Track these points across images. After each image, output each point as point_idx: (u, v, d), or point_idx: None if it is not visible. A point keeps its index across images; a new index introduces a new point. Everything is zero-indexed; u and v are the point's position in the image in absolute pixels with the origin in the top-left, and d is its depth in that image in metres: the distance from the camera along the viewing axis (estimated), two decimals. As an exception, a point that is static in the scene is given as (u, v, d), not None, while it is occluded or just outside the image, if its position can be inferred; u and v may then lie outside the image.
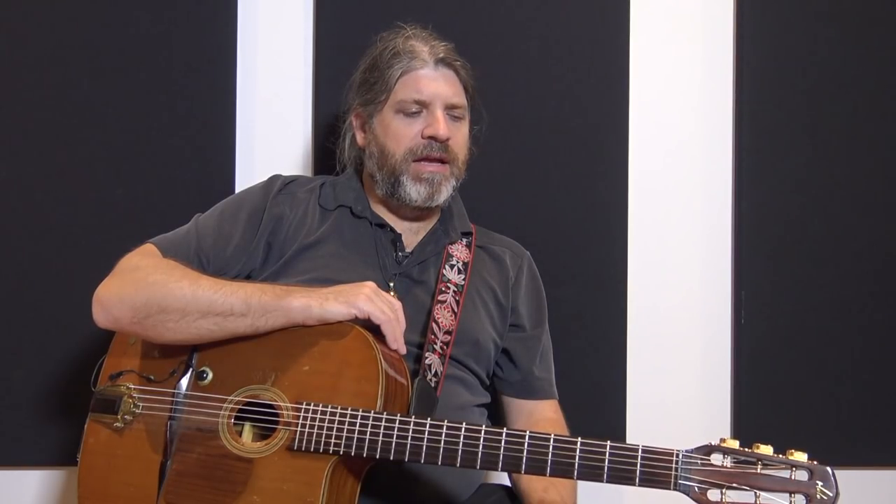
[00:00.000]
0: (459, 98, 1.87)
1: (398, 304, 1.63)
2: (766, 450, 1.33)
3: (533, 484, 1.75)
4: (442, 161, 1.83)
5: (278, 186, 1.89)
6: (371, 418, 1.49)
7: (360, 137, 1.94)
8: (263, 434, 1.58)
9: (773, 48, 2.34)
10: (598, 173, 2.29)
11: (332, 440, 1.49)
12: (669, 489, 1.36)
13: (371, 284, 1.62)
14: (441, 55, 1.87)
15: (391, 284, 1.80)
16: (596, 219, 2.28)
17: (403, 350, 1.61)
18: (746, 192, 2.32)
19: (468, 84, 1.91)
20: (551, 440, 1.43)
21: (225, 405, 1.59)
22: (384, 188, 1.86)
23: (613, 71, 2.31)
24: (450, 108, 1.85)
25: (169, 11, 2.21)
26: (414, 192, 1.82)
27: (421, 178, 1.82)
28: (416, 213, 1.89)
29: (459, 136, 1.87)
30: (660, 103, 2.37)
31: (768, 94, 2.34)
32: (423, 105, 1.83)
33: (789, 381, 2.29)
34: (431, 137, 1.82)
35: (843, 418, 2.30)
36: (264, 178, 1.95)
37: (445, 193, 1.85)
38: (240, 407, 1.58)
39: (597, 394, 2.24)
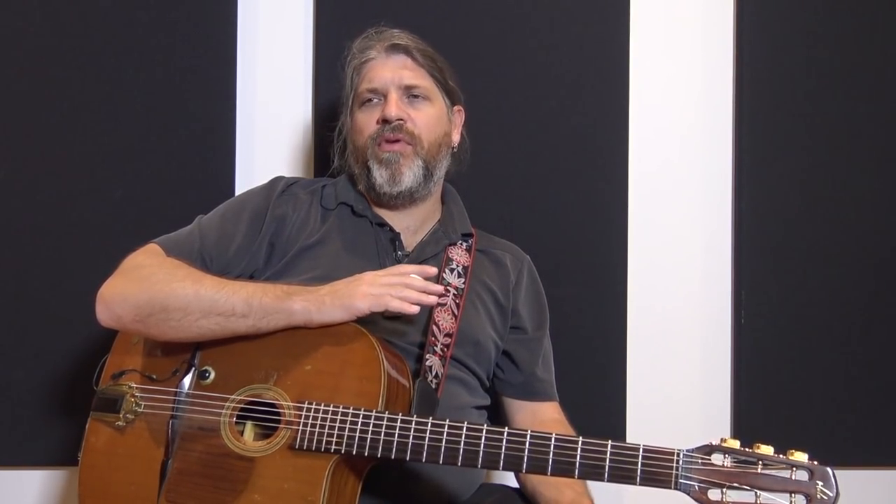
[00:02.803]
0: (416, 79, 1.88)
1: (400, 269, 1.63)
2: (767, 450, 1.34)
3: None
4: (400, 142, 1.84)
5: (281, 188, 1.89)
6: (373, 418, 1.49)
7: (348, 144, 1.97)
8: (265, 433, 1.58)
9: (773, 48, 2.34)
10: (598, 173, 2.29)
11: (334, 439, 1.49)
12: (670, 488, 1.36)
13: (367, 277, 1.61)
14: (392, 42, 1.89)
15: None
16: (596, 219, 2.28)
17: (433, 301, 1.61)
18: (746, 192, 2.32)
19: (430, 66, 1.91)
20: (552, 439, 1.43)
21: (227, 404, 1.59)
22: (363, 182, 1.89)
23: (613, 71, 2.31)
24: (406, 89, 1.87)
25: (169, 11, 2.21)
26: (378, 175, 1.84)
27: (381, 159, 1.84)
28: (402, 204, 1.88)
29: (421, 117, 1.87)
30: (660, 103, 2.37)
31: (768, 94, 2.33)
32: (378, 93, 1.87)
33: (789, 380, 2.29)
34: (384, 120, 1.84)
35: (843, 418, 2.30)
36: (264, 178, 1.95)
37: (410, 175, 1.84)
38: (242, 406, 1.58)
39: (597, 394, 2.23)
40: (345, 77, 1.94)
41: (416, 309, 1.58)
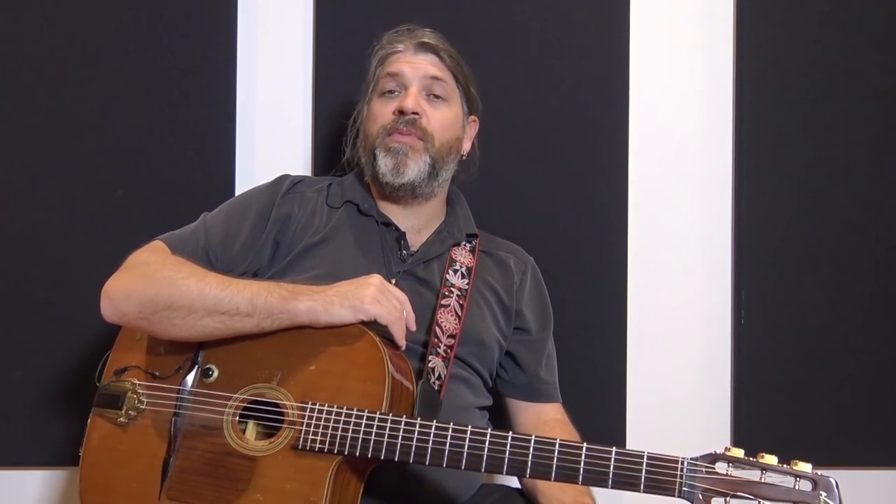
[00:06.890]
0: (439, 79, 1.89)
1: (404, 298, 1.63)
2: (771, 459, 1.33)
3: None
4: (412, 135, 1.84)
5: (287, 186, 1.89)
6: (377, 419, 1.49)
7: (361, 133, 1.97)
8: (268, 433, 1.58)
9: (773, 48, 2.34)
10: (598, 173, 2.29)
11: (337, 441, 1.49)
12: (674, 496, 1.36)
13: (376, 281, 1.61)
14: (422, 40, 1.90)
15: (393, 282, 1.79)
16: (596, 219, 2.28)
17: (403, 345, 1.62)
18: (746, 192, 2.32)
19: (455, 70, 1.92)
20: (556, 445, 1.43)
21: (230, 403, 1.59)
22: (368, 171, 1.89)
23: (613, 71, 2.31)
24: (428, 87, 1.88)
25: (169, 12, 2.21)
26: (383, 164, 1.84)
27: (389, 148, 1.84)
28: (404, 198, 1.88)
29: (437, 116, 1.88)
30: (660, 103, 2.37)
31: (768, 94, 2.33)
32: (399, 83, 1.87)
33: (789, 381, 2.29)
34: (400, 111, 1.84)
35: (843, 418, 2.30)
36: (264, 178, 1.95)
37: (416, 168, 1.84)
38: (244, 405, 1.58)
39: (597, 394, 2.23)
40: (368, 66, 1.94)
41: (403, 345, 1.61)
